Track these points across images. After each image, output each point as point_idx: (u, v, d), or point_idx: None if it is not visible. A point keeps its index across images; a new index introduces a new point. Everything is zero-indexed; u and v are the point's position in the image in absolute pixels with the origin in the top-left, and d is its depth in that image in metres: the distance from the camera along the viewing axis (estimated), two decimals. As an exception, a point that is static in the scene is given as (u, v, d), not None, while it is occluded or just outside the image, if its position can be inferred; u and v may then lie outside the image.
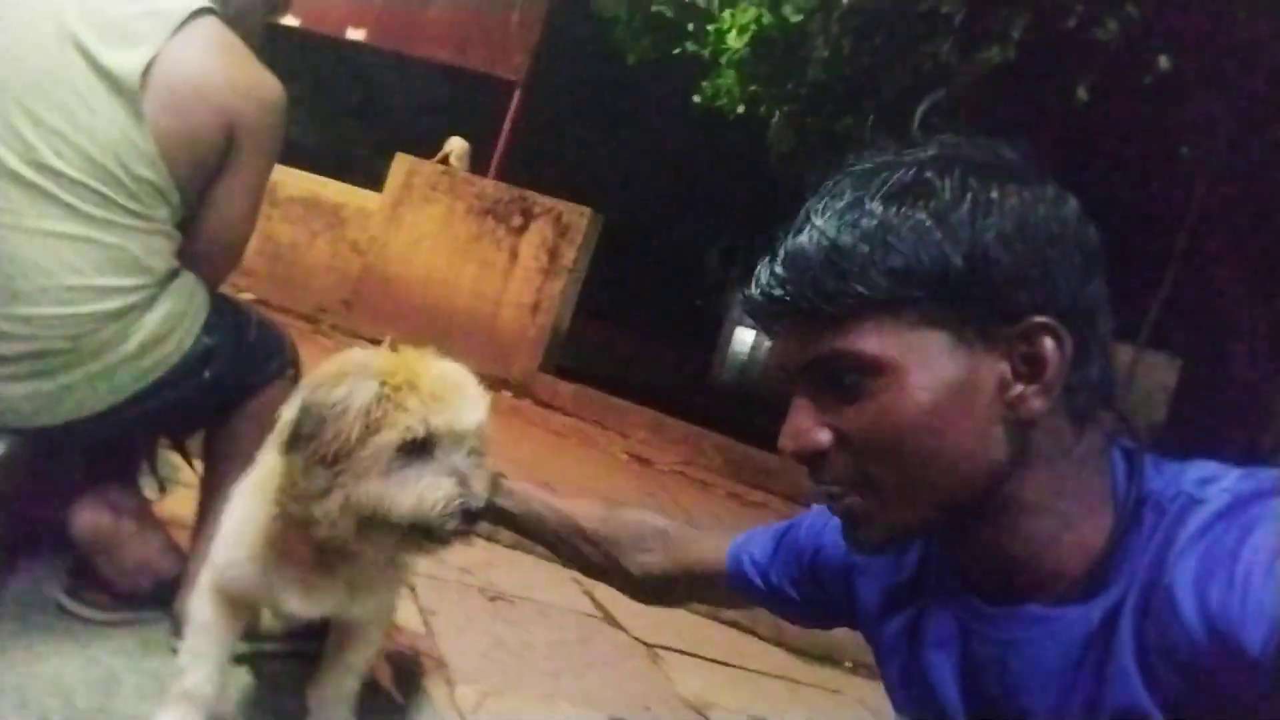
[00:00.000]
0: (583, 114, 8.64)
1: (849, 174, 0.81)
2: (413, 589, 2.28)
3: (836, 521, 0.87)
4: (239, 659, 1.62)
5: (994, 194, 0.76)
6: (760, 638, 3.15)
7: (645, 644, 2.63)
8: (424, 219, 7.01)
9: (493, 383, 5.55)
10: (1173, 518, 0.73)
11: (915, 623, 0.92)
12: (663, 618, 2.99)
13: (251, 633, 1.62)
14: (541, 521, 1.29)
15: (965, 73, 7.68)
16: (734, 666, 2.75)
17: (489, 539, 3.00)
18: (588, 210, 6.87)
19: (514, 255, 6.94)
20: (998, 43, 7.42)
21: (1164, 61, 6.69)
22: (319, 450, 1.17)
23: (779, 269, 0.80)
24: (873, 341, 0.77)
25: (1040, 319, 0.75)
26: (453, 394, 1.23)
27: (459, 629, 2.22)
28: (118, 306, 1.53)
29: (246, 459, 1.63)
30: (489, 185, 7.18)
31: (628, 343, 10.99)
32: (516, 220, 6.95)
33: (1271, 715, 0.64)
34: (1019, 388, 0.76)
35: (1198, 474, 0.75)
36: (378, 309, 6.84)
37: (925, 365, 0.76)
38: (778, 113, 7.70)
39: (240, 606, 1.40)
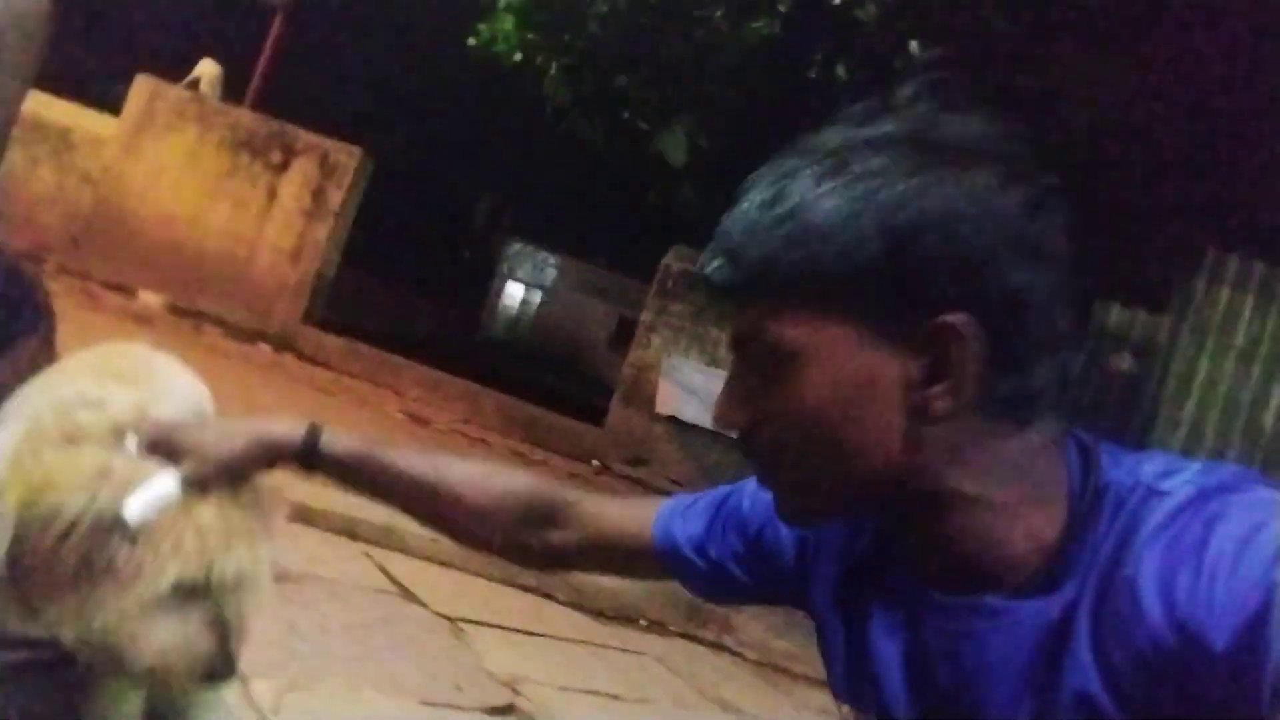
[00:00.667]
0: (352, 44, 8.06)
1: (792, 148, 0.77)
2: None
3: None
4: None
5: (917, 181, 0.71)
6: (559, 602, 3.09)
7: (447, 618, 2.50)
8: (168, 149, 6.30)
9: (249, 334, 5.14)
10: (1132, 509, 0.71)
11: (863, 609, 0.87)
12: (461, 588, 2.87)
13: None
14: (392, 476, 1.08)
15: (735, 43, 7.88)
16: (538, 635, 2.68)
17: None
18: (357, 150, 6.44)
19: (272, 195, 6.41)
20: (765, 15, 7.65)
21: (914, 46, 7.16)
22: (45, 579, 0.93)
23: (710, 246, 0.78)
24: (780, 329, 0.75)
25: (951, 318, 0.71)
26: (248, 523, 1.01)
27: (245, 616, 1.99)
28: None
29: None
30: (245, 116, 6.56)
31: (394, 295, 10.50)
32: (276, 156, 6.41)
33: (1236, 712, 0.64)
34: (927, 388, 0.73)
35: (1156, 467, 0.74)
36: (112, 249, 6.10)
37: (829, 357, 0.74)
38: (554, 65, 7.56)
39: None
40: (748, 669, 3.16)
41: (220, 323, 6.04)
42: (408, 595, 2.57)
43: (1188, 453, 5.13)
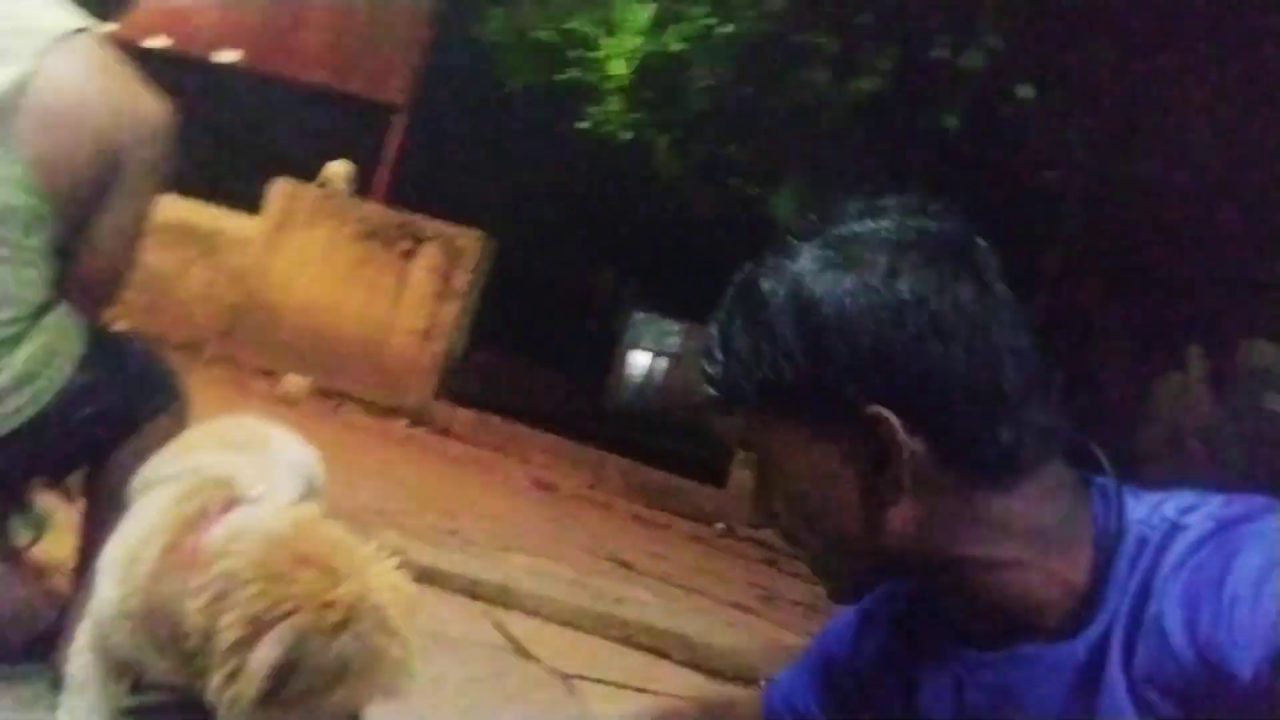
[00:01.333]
0: (467, 139, 8.56)
1: (734, 282, 0.86)
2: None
3: (848, 618, 0.97)
4: (124, 713, 1.48)
5: (817, 289, 0.76)
6: (674, 660, 3.11)
7: (560, 674, 2.57)
8: (306, 244, 6.79)
9: (386, 411, 5.40)
10: (1156, 545, 0.73)
11: (909, 683, 0.90)
12: (576, 644, 2.93)
13: (137, 683, 1.50)
14: None
15: (840, 102, 7.93)
16: (650, 692, 2.71)
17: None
18: (479, 234, 6.78)
19: (403, 280, 6.79)
20: (868, 74, 7.69)
21: (1024, 90, 7.04)
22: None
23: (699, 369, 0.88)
24: (752, 434, 0.85)
25: (870, 410, 0.75)
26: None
27: (366, 669, 2.10)
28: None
29: (129, 499, 1.53)
30: (374, 209, 7.01)
31: (521, 368, 10.86)
32: (405, 244, 6.80)
33: None
34: (878, 474, 0.78)
35: (1179, 502, 0.76)
36: (259, 338, 6.57)
37: (789, 458, 0.82)
38: (662, 139, 7.78)
39: (123, 665, 1.29)
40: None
41: (359, 401, 6.40)
42: (521, 651, 2.65)
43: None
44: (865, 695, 0.96)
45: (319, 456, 1.70)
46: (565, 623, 3.04)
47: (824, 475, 0.80)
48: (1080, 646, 0.75)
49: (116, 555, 1.27)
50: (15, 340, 1.44)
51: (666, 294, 12.63)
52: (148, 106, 1.55)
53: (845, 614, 1.02)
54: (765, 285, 0.80)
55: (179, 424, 1.74)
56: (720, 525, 6.13)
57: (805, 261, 0.79)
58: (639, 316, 12.85)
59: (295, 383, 6.23)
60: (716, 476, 6.56)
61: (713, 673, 3.14)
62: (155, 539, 1.21)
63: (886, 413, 0.75)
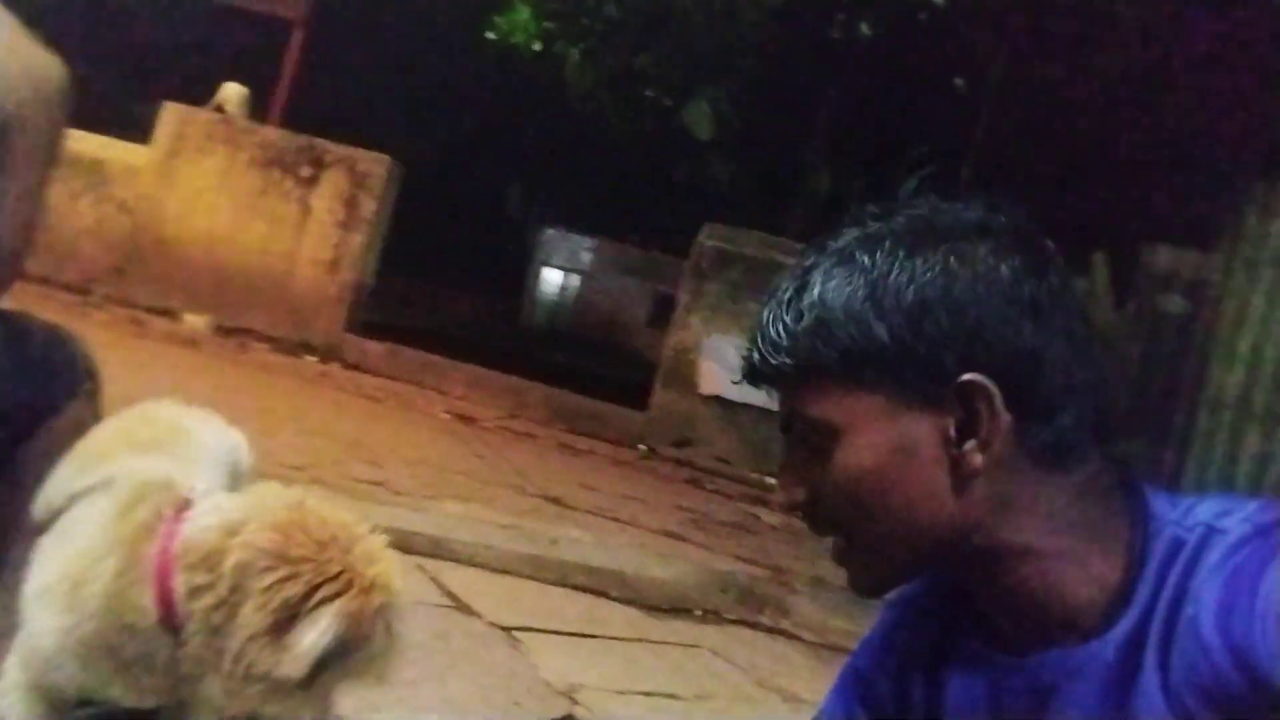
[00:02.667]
0: (369, 55, 8.12)
1: (810, 248, 0.86)
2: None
3: (876, 631, 0.97)
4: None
5: (919, 264, 0.79)
6: (613, 599, 3.13)
7: (502, 628, 2.54)
8: (201, 173, 6.41)
9: (294, 347, 5.21)
10: (1193, 548, 0.74)
11: (938, 689, 0.89)
12: (515, 593, 2.91)
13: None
14: None
15: (753, 8, 7.76)
16: (593, 637, 2.71)
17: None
18: (385, 158, 6.49)
19: (306, 209, 6.49)
20: (783, -21, 7.52)
21: (938, -1, 6.98)
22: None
23: (753, 337, 0.86)
24: (820, 406, 0.82)
25: (969, 378, 0.78)
26: None
27: (304, 644, 2.04)
28: None
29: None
30: (273, 133, 6.64)
31: (432, 293, 10.63)
32: (306, 171, 6.48)
33: None
34: (960, 445, 0.79)
35: (1214, 507, 0.77)
36: (156, 275, 6.23)
37: (867, 428, 0.81)
38: (572, 49, 7.52)
39: (62, 701, 1.20)
40: (806, 652, 3.17)
41: (265, 339, 6.16)
42: (463, 607, 2.62)
43: (1247, 392, 5.01)
44: (898, 704, 0.95)
45: (242, 438, 1.60)
46: (503, 570, 3.01)
47: (902, 448, 0.80)
48: (1109, 646, 0.76)
49: (51, 584, 1.16)
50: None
51: (579, 211, 12.45)
52: (40, 66, 1.38)
53: (873, 629, 1.01)
54: (865, 259, 0.81)
55: (92, 408, 1.62)
56: (643, 447, 6.17)
57: (906, 236, 0.81)
58: (551, 233, 12.65)
59: (195, 322, 5.95)
60: (637, 399, 6.58)
61: (651, 608, 3.17)
62: (106, 558, 1.12)
63: (987, 381, 0.77)
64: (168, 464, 1.30)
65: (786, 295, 0.83)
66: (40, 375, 1.53)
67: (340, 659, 1.09)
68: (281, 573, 1.08)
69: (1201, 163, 6.52)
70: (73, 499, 1.25)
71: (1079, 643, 0.78)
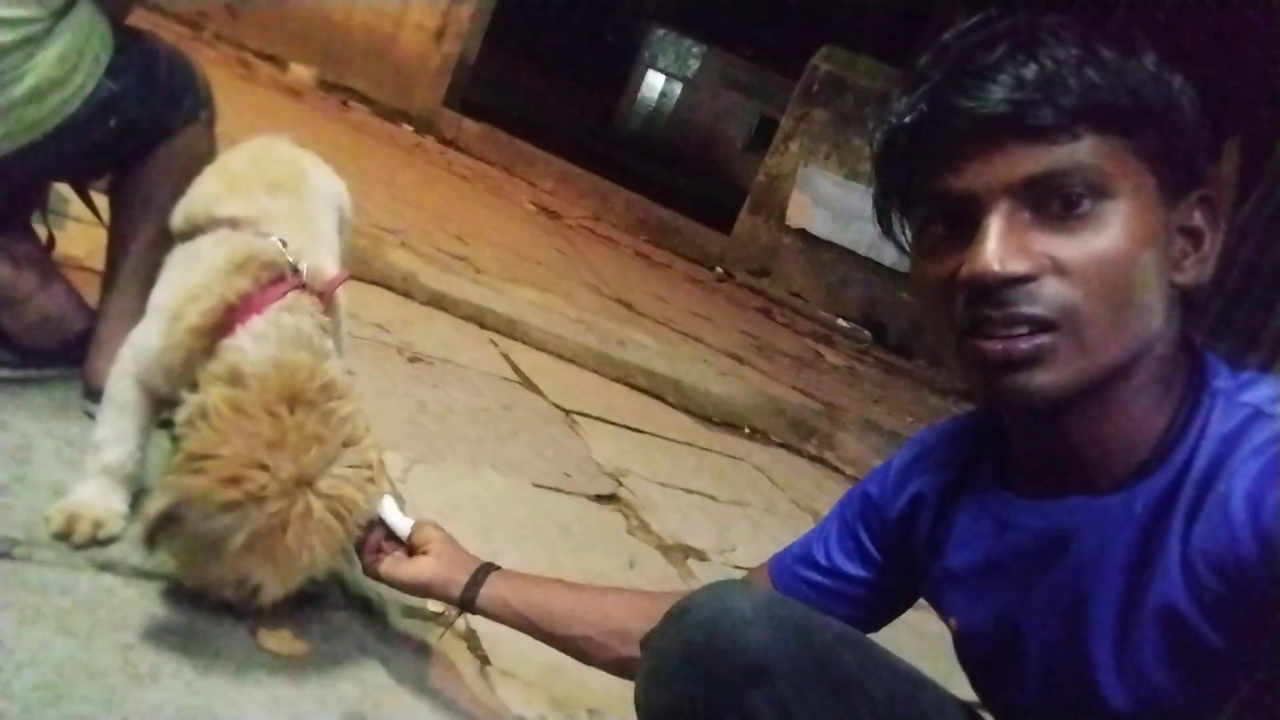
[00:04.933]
0: None
1: (1038, 19, 0.78)
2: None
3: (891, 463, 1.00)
4: (163, 424, 1.54)
5: (1153, 61, 0.77)
6: (668, 403, 3.24)
7: (563, 409, 2.67)
8: (318, -80, 6.25)
9: (393, 114, 5.24)
10: (1238, 424, 0.73)
11: (944, 523, 0.93)
12: (578, 381, 3.03)
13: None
14: (556, 621, 1.14)
15: None
16: (645, 433, 2.84)
17: (405, 295, 2.92)
18: (502, -71, 6.25)
19: (418, -29, 6.33)
20: None
21: None
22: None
23: (1005, 81, 0.74)
24: (1107, 161, 0.74)
25: (1204, 191, 0.77)
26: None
27: (381, 393, 2.18)
28: (4, 41, 1.30)
29: (159, 208, 1.51)
30: (392, -112, 6.40)
31: (536, 80, 10.40)
32: (422, -69, 6.28)
33: None
34: (1188, 254, 0.78)
35: (1270, 391, 0.75)
36: (267, 20, 6.21)
37: (1142, 201, 0.75)
38: None
39: (158, 398, 1.32)
40: (845, 484, 3.28)
41: (366, 100, 6.17)
42: (529, 385, 2.75)
43: None
44: (901, 532, 0.99)
45: (345, 192, 1.67)
46: (569, 359, 3.13)
47: (1160, 232, 0.76)
48: (1138, 501, 0.76)
49: (162, 304, 1.26)
50: (40, 40, 1.35)
51: (693, 13, 11.90)
52: None
53: (889, 461, 1.03)
54: (1105, 47, 0.75)
55: (208, 133, 1.68)
56: (719, 270, 6.17)
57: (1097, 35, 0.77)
58: (661, 34, 12.14)
59: (301, 73, 5.98)
60: (722, 221, 6.52)
61: (702, 417, 3.29)
62: (199, 302, 1.20)
63: (1214, 195, 0.78)
64: (284, 214, 1.36)
65: (1073, 48, 0.74)
66: (165, 96, 1.58)
67: (182, 537, 1.08)
68: (212, 437, 1.08)
69: None
70: (210, 223, 1.33)
71: (1103, 494, 0.78)
